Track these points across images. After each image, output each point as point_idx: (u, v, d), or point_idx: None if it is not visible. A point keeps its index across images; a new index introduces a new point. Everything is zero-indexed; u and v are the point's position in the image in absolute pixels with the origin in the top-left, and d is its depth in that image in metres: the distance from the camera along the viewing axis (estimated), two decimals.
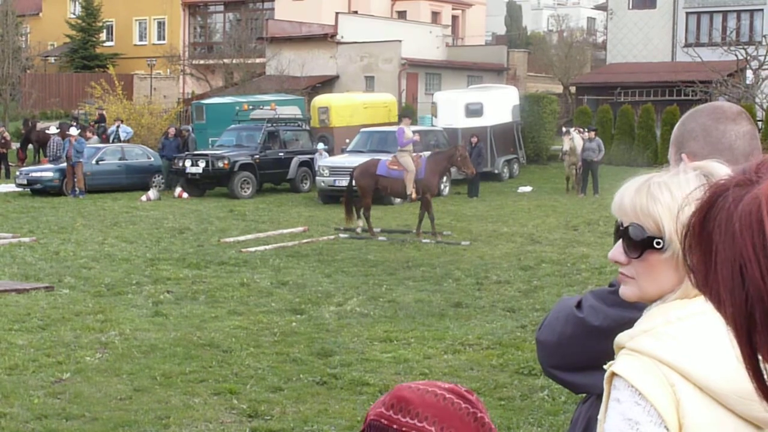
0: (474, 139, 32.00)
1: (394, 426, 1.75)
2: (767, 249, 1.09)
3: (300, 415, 8.62)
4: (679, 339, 1.91)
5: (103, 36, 68.23)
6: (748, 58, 39.01)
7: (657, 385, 1.89)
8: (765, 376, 1.14)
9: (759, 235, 1.09)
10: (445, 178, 25.65)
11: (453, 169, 32.30)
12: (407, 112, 23.89)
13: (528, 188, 33.73)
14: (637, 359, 1.94)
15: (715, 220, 1.15)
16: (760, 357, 1.14)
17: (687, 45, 47.08)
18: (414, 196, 22.23)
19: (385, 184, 22.49)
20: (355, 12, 58.32)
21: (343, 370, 10.06)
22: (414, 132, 24.13)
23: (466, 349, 11.07)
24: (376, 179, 22.44)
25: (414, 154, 22.73)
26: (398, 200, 26.02)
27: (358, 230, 21.96)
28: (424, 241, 20.68)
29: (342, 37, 50.73)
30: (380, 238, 21.49)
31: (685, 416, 1.88)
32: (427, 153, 24.10)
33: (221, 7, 66.29)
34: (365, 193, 22.27)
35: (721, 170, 1.97)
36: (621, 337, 2.00)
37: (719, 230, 1.14)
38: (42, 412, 8.63)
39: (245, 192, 30.68)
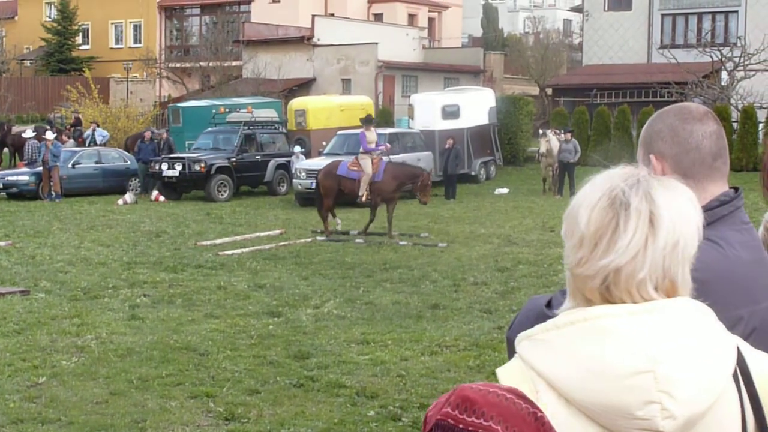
0: (450, 141, 32.04)
1: (460, 425, 1.78)
2: None
3: (277, 417, 8.62)
4: (550, 347, 1.90)
5: (79, 39, 68.01)
6: (723, 59, 39.26)
7: (522, 388, 1.88)
8: None
9: None
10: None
11: (431, 171, 32.57)
12: (368, 117, 23.99)
13: (505, 190, 33.81)
14: (516, 362, 1.96)
15: None
16: None
17: (662, 46, 47.33)
18: (364, 198, 22.42)
19: (345, 185, 22.67)
20: (332, 15, 58.37)
21: (320, 373, 10.07)
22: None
23: (443, 351, 11.09)
24: (338, 180, 22.63)
25: (375, 157, 22.89)
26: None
27: (338, 227, 22.10)
28: (401, 243, 20.72)
29: (318, 39, 50.74)
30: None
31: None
32: (388, 157, 24.21)
33: (197, 10, 66.22)
34: (327, 193, 22.48)
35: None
36: (516, 341, 2.01)
37: None
38: (18, 416, 8.60)
39: (222, 195, 30.64)
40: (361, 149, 23.24)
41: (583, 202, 1.96)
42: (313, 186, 27.82)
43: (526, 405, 1.78)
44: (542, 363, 1.91)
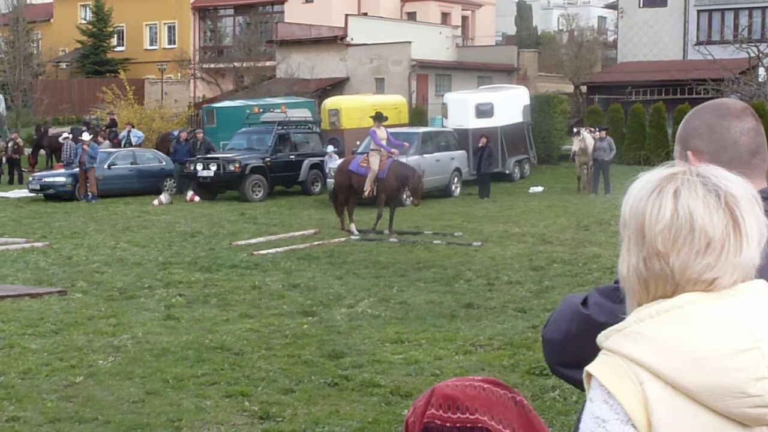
0: (483, 140, 31.95)
1: (448, 424, 1.79)
2: None
3: (311, 416, 8.62)
4: (648, 337, 1.92)
5: (113, 41, 68.42)
6: (760, 55, 38.89)
7: (624, 383, 1.91)
8: None
9: None
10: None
11: (465, 170, 32.54)
12: (378, 114, 24.01)
13: (539, 188, 33.69)
14: (609, 358, 1.97)
15: None
16: None
17: (698, 43, 46.98)
18: (369, 193, 22.49)
19: (355, 181, 22.81)
20: (365, 14, 58.37)
21: (354, 372, 10.07)
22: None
23: (477, 350, 11.06)
24: (349, 176, 22.74)
25: (384, 155, 22.96)
26: (408, 201, 26.08)
27: (353, 234, 21.98)
28: (435, 242, 20.69)
29: (352, 39, 50.75)
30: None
31: (653, 414, 1.89)
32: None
33: (231, 11, 66.42)
34: (340, 189, 22.80)
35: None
36: (599, 338, 2.02)
37: None
38: (55, 415, 8.66)
39: (256, 195, 30.74)
40: (372, 146, 23.43)
41: (694, 209, 1.96)
42: None
43: (503, 391, 1.79)
44: (644, 354, 1.92)
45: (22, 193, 32.66)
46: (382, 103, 38.28)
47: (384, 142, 23.27)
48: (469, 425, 1.78)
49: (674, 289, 1.98)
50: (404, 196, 23.95)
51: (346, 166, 23.32)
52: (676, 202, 1.97)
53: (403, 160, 24.58)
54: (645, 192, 2.02)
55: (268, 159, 31.41)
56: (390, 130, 25.84)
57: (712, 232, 1.93)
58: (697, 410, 1.89)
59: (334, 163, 30.57)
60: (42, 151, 41.94)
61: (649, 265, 1.99)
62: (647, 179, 2.04)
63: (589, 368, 1.98)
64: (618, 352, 1.96)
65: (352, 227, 22.30)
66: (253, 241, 20.92)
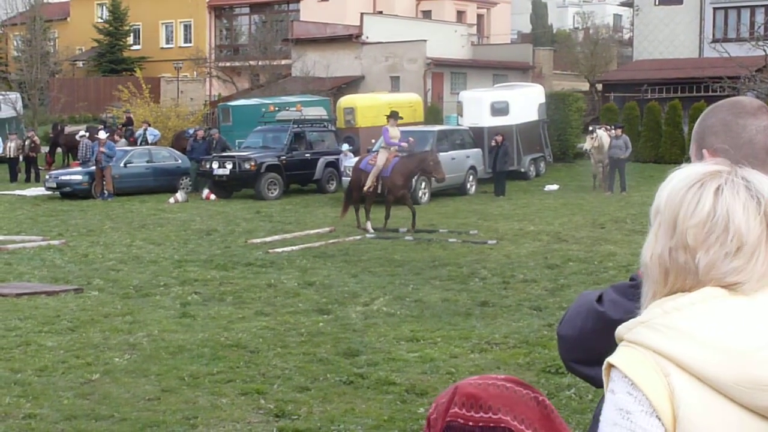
0: (499, 138, 31.90)
1: (470, 423, 1.79)
2: None
3: (326, 414, 8.63)
4: (675, 329, 1.92)
5: (130, 40, 68.59)
6: None
7: (650, 375, 1.90)
8: None
9: None
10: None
11: (480, 168, 32.50)
12: (393, 113, 24.03)
13: (554, 186, 33.65)
14: (633, 350, 1.95)
15: None
16: None
17: (714, 40, 46.82)
18: (366, 190, 22.55)
19: (363, 178, 22.91)
20: (380, 12, 58.38)
21: (369, 370, 10.07)
22: (408, 138, 24.25)
23: (492, 348, 11.06)
24: (360, 174, 22.84)
25: (391, 153, 23.02)
26: (424, 200, 26.16)
27: (368, 233, 21.98)
28: (450, 240, 20.68)
29: (367, 37, 50.75)
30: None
31: (679, 406, 1.88)
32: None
33: (247, 10, 66.53)
34: (355, 187, 22.97)
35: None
36: (620, 329, 2.01)
37: None
38: (71, 412, 8.69)
39: (272, 193, 30.78)
40: (382, 143, 23.50)
41: (733, 210, 1.94)
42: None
43: (526, 391, 1.79)
44: (671, 346, 1.91)
45: (39, 191, 32.79)
46: (398, 102, 38.28)
47: (395, 141, 23.31)
48: (491, 425, 1.78)
49: (693, 285, 1.97)
50: (419, 191, 23.92)
51: (358, 164, 23.69)
52: (716, 200, 1.95)
53: None
54: (686, 183, 2.00)
55: (284, 157, 31.45)
56: (405, 128, 25.87)
57: (746, 237, 1.92)
58: (723, 403, 1.89)
59: (349, 161, 30.61)
60: (58, 150, 42.08)
61: (674, 256, 1.98)
62: (691, 171, 2.02)
63: (611, 359, 1.97)
64: (642, 344, 1.95)
65: (368, 225, 22.32)
66: (268, 239, 20.96)
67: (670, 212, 1.99)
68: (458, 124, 36.10)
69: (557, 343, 2.98)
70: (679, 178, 2.02)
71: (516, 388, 1.82)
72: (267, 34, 56.10)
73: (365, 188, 22.77)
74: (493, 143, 31.92)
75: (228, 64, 60.25)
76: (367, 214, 22.66)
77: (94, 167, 31.07)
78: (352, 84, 48.93)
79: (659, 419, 1.89)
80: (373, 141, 32.86)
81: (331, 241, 20.74)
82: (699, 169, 2.01)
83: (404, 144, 23.73)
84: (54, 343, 11.36)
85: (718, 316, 1.91)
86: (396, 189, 22.71)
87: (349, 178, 23.63)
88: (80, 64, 68.72)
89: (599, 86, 52.57)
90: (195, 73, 60.78)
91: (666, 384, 1.89)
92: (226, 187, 31.34)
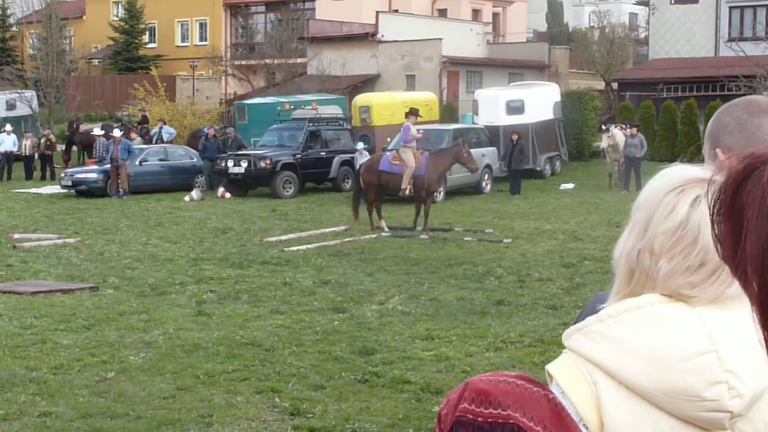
0: (515, 137, 31.86)
1: (480, 419, 1.79)
2: None
3: (342, 413, 8.64)
4: (606, 336, 1.89)
5: (145, 38, 68.72)
6: None
7: (578, 383, 1.89)
8: None
9: None
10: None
11: (495, 166, 32.47)
12: (414, 110, 23.93)
13: (570, 185, 33.59)
14: (567, 357, 1.94)
15: (749, 194, 1.11)
16: None
17: (730, 39, 46.65)
18: (408, 191, 22.41)
19: (387, 180, 22.71)
20: (396, 11, 58.33)
21: (384, 368, 10.08)
22: (419, 130, 24.16)
23: (507, 347, 11.05)
24: (379, 175, 22.61)
25: (416, 150, 22.92)
26: (440, 197, 26.11)
27: (384, 231, 21.93)
28: (466, 239, 20.66)
29: (383, 36, 50.74)
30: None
31: (605, 414, 1.86)
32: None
33: (262, 8, 66.58)
34: (368, 188, 22.59)
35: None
36: (564, 335, 2.00)
37: (753, 205, 1.09)
38: (87, 410, 8.71)
39: (287, 191, 30.80)
40: (402, 143, 23.27)
41: (705, 226, 1.87)
42: None
43: (537, 389, 1.79)
44: (600, 354, 1.90)
45: (55, 189, 32.87)
46: (413, 100, 38.26)
47: (413, 138, 23.24)
48: (500, 421, 1.78)
49: (651, 290, 1.95)
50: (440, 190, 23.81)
51: (375, 166, 23.05)
52: (691, 210, 1.91)
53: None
54: (667, 186, 1.95)
55: (299, 156, 31.46)
56: (421, 126, 25.83)
57: (712, 255, 1.85)
58: (652, 412, 1.86)
59: (364, 159, 30.61)
60: (74, 148, 42.19)
61: (641, 258, 1.95)
62: (676, 173, 1.97)
63: (549, 366, 1.97)
64: (576, 351, 1.93)
65: (383, 224, 22.28)
66: (284, 237, 20.97)
67: (646, 213, 1.96)
68: (474, 123, 36.08)
69: None
70: (662, 180, 1.97)
71: (527, 386, 1.82)
72: (283, 33, 56.15)
73: (404, 191, 22.54)
74: (512, 141, 31.84)
75: (244, 62, 60.30)
76: (379, 213, 22.57)
77: (109, 165, 31.15)
78: (367, 82, 48.92)
79: (586, 427, 1.88)
80: (389, 139, 32.88)
81: (346, 239, 20.74)
82: (685, 173, 1.97)
83: (419, 136, 23.77)
84: (70, 341, 11.39)
85: (651, 323, 1.87)
86: (433, 184, 22.72)
87: (361, 179, 23.10)
88: (96, 62, 68.85)
89: (615, 85, 52.44)
90: (211, 71, 60.84)
91: (593, 392, 1.88)
92: (241, 186, 31.37)
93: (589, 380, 1.89)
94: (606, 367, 1.88)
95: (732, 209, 1.14)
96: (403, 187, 22.54)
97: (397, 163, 22.74)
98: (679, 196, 1.93)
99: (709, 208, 1.18)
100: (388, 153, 24.32)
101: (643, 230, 1.96)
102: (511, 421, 1.76)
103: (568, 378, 1.91)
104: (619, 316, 1.91)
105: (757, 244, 1.09)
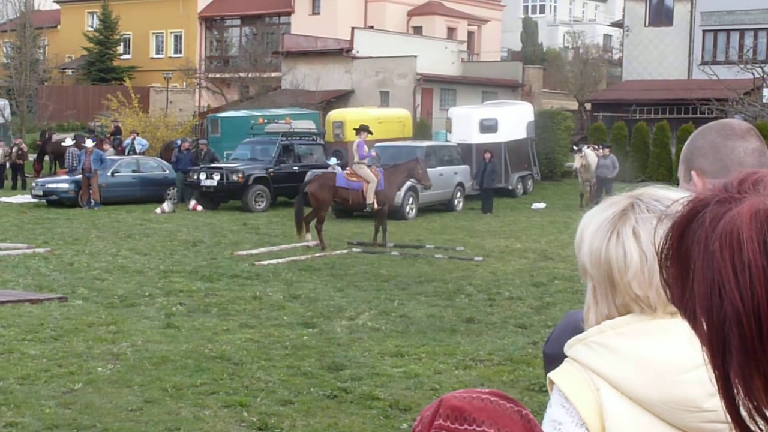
0: (488, 155, 31.97)
1: None
2: (746, 271, 1.06)
3: (309, 428, 8.62)
4: (607, 347, 1.94)
5: (120, 49, 68.59)
6: (765, 76, 38.93)
7: (581, 389, 1.94)
8: (736, 400, 1.12)
9: (738, 256, 1.06)
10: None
11: (468, 184, 32.54)
12: (364, 126, 23.97)
13: (542, 204, 33.71)
14: (570, 366, 2.00)
15: (693, 236, 1.12)
16: (732, 379, 1.12)
17: (703, 63, 47.03)
18: (375, 206, 22.44)
19: (344, 196, 22.68)
20: (371, 27, 58.48)
21: (353, 384, 10.06)
22: (371, 150, 24.36)
23: (477, 365, 11.06)
24: (335, 191, 22.56)
25: (370, 166, 23.04)
26: (411, 214, 26.09)
27: (309, 243, 21.85)
28: (437, 256, 20.68)
29: (357, 52, 50.84)
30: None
31: (607, 420, 1.91)
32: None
33: (238, 21, 66.60)
34: (322, 206, 22.31)
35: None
36: (565, 346, 2.04)
37: (698, 247, 1.11)
38: (53, 422, 8.65)
39: (259, 205, 30.74)
40: (357, 159, 23.14)
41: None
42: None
43: (510, 405, 1.81)
44: (602, 364, 1.94)
45: (25, 198, 32.67)
46: (387, 116, 38.40)
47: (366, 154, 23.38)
48: None
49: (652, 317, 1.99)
50: (406, 206, 23.96)
51: (331, 182, 22.73)
52: (638, 243, 1.95)
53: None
54: (601, 237, 2.00)
55: (272, 170, 31.42)
56: (393, 143, 25.84)
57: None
58: (653, 421, 1.90)
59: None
60: (46, 157, 42.01)
61: (628, 309, 2.00)
62: (598, 223, 2.01)
63: (551, 374, 2.02)
64: (578, 361, 1.98)
65: (308, 237, 22.01)
66: (254, 251, 20.93)
67: (601, 272, 2.01)
68: (447, 141, 36.16)
69: (543, 361, 2.99)
70: (591, 235, 2.02)
71: (500, 402, 1.83)
72: (257, 47, 56.16)
73: (375, 207, 22.52)
74: (485, 160, 31.93)
75: (218, 75, 60.25)
76: (308, 227, 22.18)
77: (80, 176, 31.01)
78: (341, 98, 48.97)
79: (588, 431, 1.92)
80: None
81: (317, 254, 20.72)
82: (604, 216, 2.01)
83: (374, 154, 23.95)
84: (37, 352, 11.31)
85: (652, 335, 1.92)
86: (392, 200, 22.97)
87: (311, 196, 22.36)
88: (69, 72, 68.64)
89: (588, 105, 52.75)
90: (185, 83, 60.78)
91: (596, 399, 1.93)
92: (213, 199, 31.29)
93: (592, 387, 1.94)
94: (607, 378, 1.93)
95: (678, 253, 1.15)
96: (369, 202, 22.54)
97: (355, 179, 22.69)
98: (619, 239, 1.98)
99: (657, 254, 1.20)
100: (340, 170, 24.12)
101: (610, 288, 2.00)
102: None
103: (572, 384, 1.96)
104: (621, 327, 1.95)
105: (704, 285, 1.10)
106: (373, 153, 24.14)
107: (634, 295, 1.97)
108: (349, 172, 23.16)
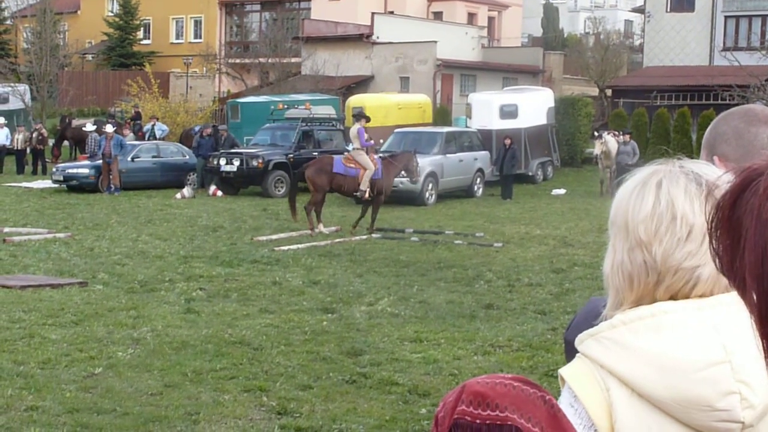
0: (507, 141, 31.90)
1: (478, 421, 1.79)
2: None
3: (329, 413, 8.63)
4: (619, 343, 1.90)
5: (140, 34, 68.65)
6: None
7: (591, 388, 1.90)
8: None
9: None
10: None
11: (487, 170, 32.50)
12: (362, 112, 23.75)
13: (561, 191, 33.62)
14: (581, 362, 1.95)
15: (746, 204, 1.12)
16: None
17: (725, 49, 46.74)
18: (368, 194, 22.24)
19: (340, 182, 22.48)
20: (391, 12, 58.35)
21: (372, 370, 10.07)
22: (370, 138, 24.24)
23: (496, 351, 11.05)
24: (332, 177, 22.42)
25: (370, 153, 22.97)
26: (432, 200, 26.08)
27: (321, 231, 21.83)
28: (456, 242, 20.66)
29: (377, 37, 50.76)
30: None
31: (617, 420, 1.87)
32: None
33: (258, 7, 66.54)
34: (318, 190, 22.25)
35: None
36: (576, 340, 2.00)
37: (750, 216, 1.11)
38: (74, 406, 8.69)
39: (279, 191, 30.77)
40: (357, 145, 22.81)
41: (675, 196, 1.92)
42: None
43: (533, 390, 1.79)
44: (613, 361, 1.90)
45: (46, 183, 32.80)
46: (407, 102, 38.37)
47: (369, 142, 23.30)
48: (498, 422, 1.79)
49: (656, 281, 1.94)
50: (426, 192, 24.01)
51: (328, 167, 22.53)
52: (658, 192, 1.94)
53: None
54: (630, 188, 1.98)
55: (291, 155, 31.43)
56: (414, 129, 25.78)
57: (692, 219, 1.89)
58: (663, 420, 1.86)
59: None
60: (66, 143, 42.13)
61: (633, 257, 1.95)
62: (635, 176, 2.01)
63: (562, 370, 1.98)
64: (589, 356, 1.94)
65: (321, 227, 22.02)
66: (274, 236, 20.96)
67: (620, 218, 1.98)
68: (467, 126, 36.10)
69: (564, 348, 2.97)
70: (624, 187, 2.01)
71: (523, 387, 1.82)
72: (277, 32, 56.08)
73: (364, 194, 22.33)
74: (505, 146, 31.85)
75: (238, 60, 60.24)
76: (319, 216, 22.16)
77: (101, 161, 31.10)
78: (361, 84, 48.94)
79: (596, 431, 1.89)
80: (381, 141, 32.85)
81: (337, 240, 20.74)
82: (640, 173, 2.00)
83: (373, 142, 23.96)
84: (58, 336, 11.37)
85: (665, 331, 1.87)
86: (389, 189, 22.92)
87: (307, 179, 22.47)
88: (90, 57, 68.75)
89: (609, 92, 52.55)
90: (204, 69, 60.78)
91: (606, 398, 1.89)
92: (233, 184, 31.35)
93: (602, 386, 1.90)
94: (619, 374, 1.89)
95: (730, 222, 1.15)
96: (363, 189, 22.27)
97: (352, 165, 22.52)
98: (643, 188, 1.96)
99: (707, 223, 1.19)
100: (338, 155, 23.88)
101: (624, 232, 1.97)
102: (509, 423, 1.76)
103: (581, 383, 1.92)
104: (633, 323, 1.91)
105: (755, 253, 1.10)
106: (373, 141, 24.06)
107: (638, 240, 1.93)
108: (347, 157, 22.98)
